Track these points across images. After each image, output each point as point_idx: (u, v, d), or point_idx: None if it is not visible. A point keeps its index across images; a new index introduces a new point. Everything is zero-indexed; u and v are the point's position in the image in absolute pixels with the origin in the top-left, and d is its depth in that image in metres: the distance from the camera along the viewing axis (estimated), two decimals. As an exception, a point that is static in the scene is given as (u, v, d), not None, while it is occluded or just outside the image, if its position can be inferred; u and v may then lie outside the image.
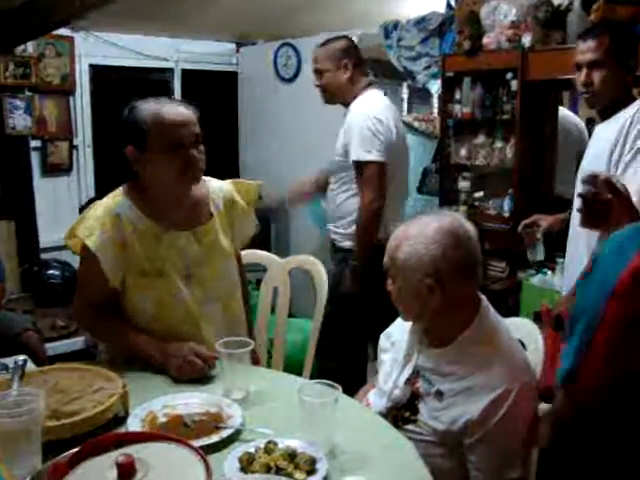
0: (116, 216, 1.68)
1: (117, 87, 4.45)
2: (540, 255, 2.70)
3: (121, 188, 1.75)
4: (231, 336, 1.68)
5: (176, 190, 1.71)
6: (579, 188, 1.69)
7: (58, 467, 0.76)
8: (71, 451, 0.88)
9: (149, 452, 0.78)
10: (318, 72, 2.76)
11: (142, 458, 0.75)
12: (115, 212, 1.68)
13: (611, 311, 1.07)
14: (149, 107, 1.66)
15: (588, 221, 1.49)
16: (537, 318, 2.89)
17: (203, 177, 1.77)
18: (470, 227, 1.49)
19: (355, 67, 2.74)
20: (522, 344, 1.59)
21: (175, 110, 1.66)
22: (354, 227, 2.73)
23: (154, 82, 4.85)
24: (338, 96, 2.78)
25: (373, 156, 2.60)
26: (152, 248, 1.69)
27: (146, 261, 1.68)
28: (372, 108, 2.69)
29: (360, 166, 2.63)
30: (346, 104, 2.76)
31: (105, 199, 1.73)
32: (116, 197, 1.73)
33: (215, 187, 1.85)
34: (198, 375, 1.58)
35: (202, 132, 1.70)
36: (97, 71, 4.41)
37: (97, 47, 4.31)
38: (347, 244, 2.79)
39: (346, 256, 2.77)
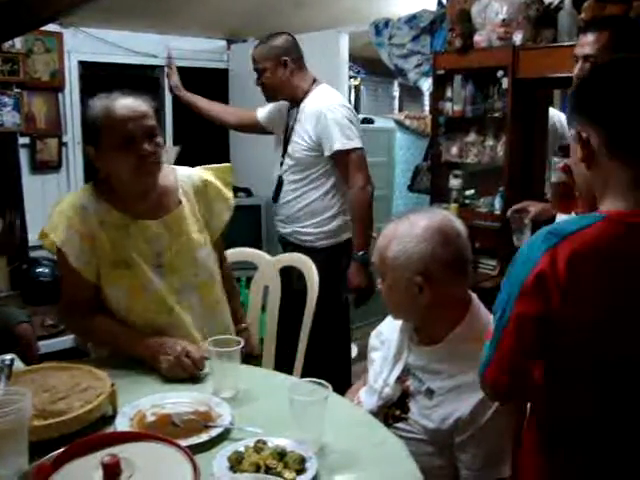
0: (82, 209, 1.67)
1: (106, 84, 4.40)
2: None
3: (87, 184, 1.75)
4: (212, 326, 1.71)
5: (135, 185, 1.69)
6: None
7: (42, 468, 0.74)
8: (56, 452, 0.87)
9: (136, 452, 0.77)
10: (258, 71, 2.76)
11: (128, 458, 0.74)
12: (80, 205, 1.67)
13: (516, 311, 1.12)
14: (100, 104, 1.65)
15: (557, 206, 1.53)
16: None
17: (172, 166, 1.77)
18: (460, 225, 1.48)
19: (295, 63, 2.73)
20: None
21: (125, 104, 1.63)
22: (333, 224, 2.73)
23: (144, 79, 4.82)
24: (283, 93, 2.77)
25: (355, 143, 2.61)
26: (120, 239, 1.68)
27: (115, 252, 1.67)
28: (337, 99, 2.71)
29: (342, 155, 2.61)
30: (295, 101, 2.75)
31: (70, 195, 1.74)
32: (81, 191, 1.73)
33: (183, 175, 1.82)
34: (187, 376, 1.57)
35: (158, 124, 1.69)
36: (86, 68, 4.37)
37: (86, 43, 4.27)
38: (323, 243, 2.75)
39: (327, 256, 2.70)
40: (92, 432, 1.25)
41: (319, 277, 2.19)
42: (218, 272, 1.86)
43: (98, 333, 1.74)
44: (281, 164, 2.81)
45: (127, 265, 1.67)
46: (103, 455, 0.73)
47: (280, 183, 2.81)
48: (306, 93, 2.72)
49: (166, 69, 3.74)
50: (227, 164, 1.94)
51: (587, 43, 2.08)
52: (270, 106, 2.93)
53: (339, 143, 2.59)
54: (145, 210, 1.71)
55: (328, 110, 2.62)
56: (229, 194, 1.87)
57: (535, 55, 3.01)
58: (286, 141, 2.77)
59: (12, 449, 1.09)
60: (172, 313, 1.71)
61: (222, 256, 1.95)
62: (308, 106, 2.69)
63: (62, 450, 0.81)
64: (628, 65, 1.16)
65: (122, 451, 0.76)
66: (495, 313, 1.19)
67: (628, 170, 1.11)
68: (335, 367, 2.77)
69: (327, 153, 2.63)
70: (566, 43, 2.77)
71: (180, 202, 1.77)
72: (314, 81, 2.77)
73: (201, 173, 1.85)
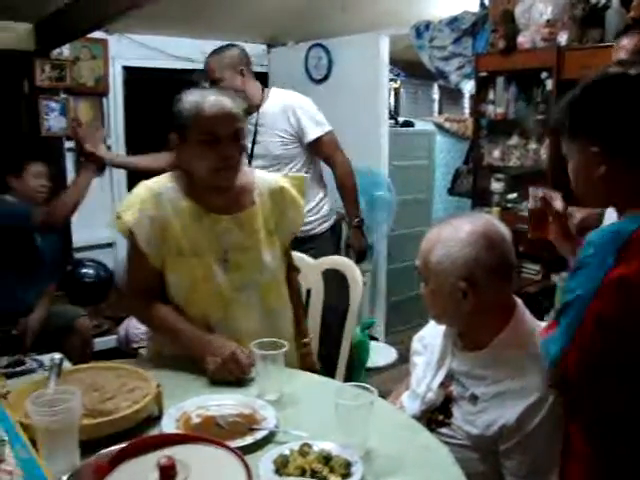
0: (157, 195, 1.71)
1: (149, 89, 4.50)
2: None
3: (167, 173, 1.78)
4: (269, 330, 1.70)
5: (212, 182, 1.72)
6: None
7: (100, 466, 0.76)
8: (111, 449, 0.89)
9: (188, 453, 0.78)
10: (216, 81, 2.85)
11: (183, 460, 0.74)
12: (156, 191, 1.71)
13: (592, 311, 1.15)
14: (192, 98, 1.67)
15: (533, 230, 1.72)
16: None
17: (251, 168, 1.82)
18: (504, 229, 1.46)
19: (250, 72, 2.91)
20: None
21: (216, 103, 1.65)
22: (325, 207, 2.99)
23: (186, 83, 4.87)
24: None
25: (327, 126, 2.88)
26: (191, 228, 1.70)
27: (184, 241, 1.69)
28: (295, 94, 2.96)
29: (318, 141, 2.84)
30: (252, 106, 2.83)
31: (150, 180, 1.76)
32: (161, 178, 1.76)
33: (261, 177, 1.86)
34: (233, 379, 1.57)
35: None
36: (130, 73, 4.46)
37: (130, 49, 4.35)
38: (323, 227, 2.99)
39: (329, 237, 3.01)
40: (138, 432, 1.27)
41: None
42: (283, 277, 1.87)
43: (154, 320, 1.75)
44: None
45: (194, 254, 1.69)
46: (158, 456, 0.74)
47: None
48: (262, 99, 2.89)
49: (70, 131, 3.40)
50: (302, 174, 1.98)
51: (620, 47, 2.04)
52: None
53: (314, 131, 2.83)
54: (219, 205, 1.74)
55: (295, 103, 2.86)
56: (302, 202, 1.89)
57: (581, 56, 2.95)
58: (252, 144, 2.88)
59: (63, 447, 1.11)
60: (228, 309, 1.72)
61: (292, 264, 1.94)
62: (271, 107, 2.87)
63: (119, 449, 0.82)
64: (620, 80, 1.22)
65: (175, 453, 0.76)
66: (562, 313, 1.21)
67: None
68: None
69: (306, 141, 2.83)
70: (614, 43, 2.71)
71: (254, 202, 1.79)
72: (263, 89, 2.96)
73: (278, 179, 1.89)
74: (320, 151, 2.90)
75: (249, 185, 1.80)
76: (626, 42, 2.02)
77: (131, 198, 1.72)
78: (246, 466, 0.77)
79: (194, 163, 1.69)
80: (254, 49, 5.00)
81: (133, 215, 1.67)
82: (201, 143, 1.65)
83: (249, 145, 2.85)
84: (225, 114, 1.65)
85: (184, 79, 4.86)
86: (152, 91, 4.49)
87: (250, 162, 2.87)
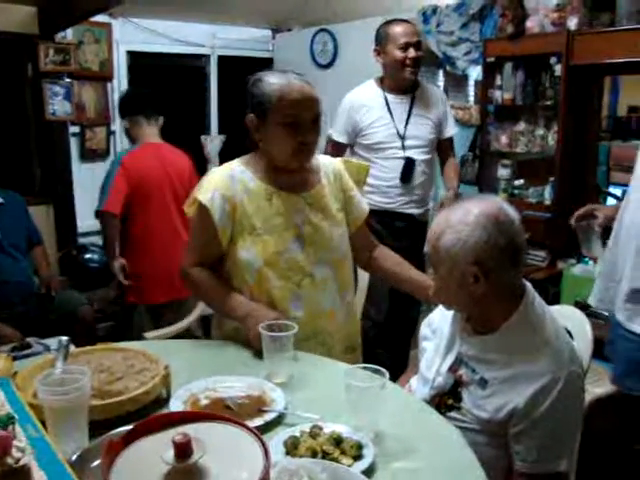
0: (229, 177, 1.75)
1: (154, 73, 4.47)
2: (598, 250, 2.36)
3: (237, 158, 1.83)
4: (342, 306, 1.79)
5: (287, 165, 1.76)
6: None
7: (113, 444, 0.75)
8: (120, 429, 0.88)
9: (204, 432, 0.77)
10: None
11: (199, 438, 0.73)
12: (228, 173, 1.76)
13: None
14: (276, 81, 1.70)
15: None
16: (578, 307, 2.85)
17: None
18: (513, 212, 1.44)
19: None
20: (569, 333, 1.55)
21: (300, 88, 1.69)
22: None
23: (190, 68, 4.86)
24: None
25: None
26: (263, 207, 1.74)
27: (256, 219, 1.73)
28: None
29: None
30: None
31: (221, 166, 1.83)
32: (231, 164, 1.81)
33: (325, 160, 1.91)
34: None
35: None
36: (134, 57, 4.44)
37: (134, 34, 4.33)
38: None
39: None
40: (146, 414, 1.26)
41: None
42: (350, 255, 1.89)
43: (205, 282, 1.77)
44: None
45: (267, 232, 1.73)
46: (172, 434, 0.73)
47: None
48: None
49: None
50: (366, 164, 2.02)
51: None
52: None
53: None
54: (289, 184, 1.77)
55: None
56: (356, 188, 1.93)
57: (591, 40, 2.92)
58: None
59: (72, 426, 1.11)
60: (302, 285, 1.74)
61: (370, 242, 1.98)
62: None
63: (132, 427, 0.81)
64: None
65: (192, 430, 0.75)
66: None
67: None
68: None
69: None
70: (625, 27, 2.68)
71: (321, 182, 1.83)
72: None
73: (340, 164, 1.93)
74: None
75: (315, 167, 1.85)
76: None
77: (204, 182, 1.76)
78: (263, 444, 0.76)
79: (273, 144, 1.73)
80: (259, 34, 4.98)
81: (209, 194, 1.71)
82: (282, 125, 1.68)
83: None
84: (308, 99, 1.69)
85: (190, 64, 4.85)
86: (157, 76, 4.46)
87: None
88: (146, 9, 4.03)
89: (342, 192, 1.87)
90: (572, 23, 2.97)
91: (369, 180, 2.16)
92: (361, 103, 2.89)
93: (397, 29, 2.81)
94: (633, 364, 2.00)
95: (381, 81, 2.93)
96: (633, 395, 2.01)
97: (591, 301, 2.17)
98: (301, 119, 1.68)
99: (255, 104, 1.72)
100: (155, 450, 0.73)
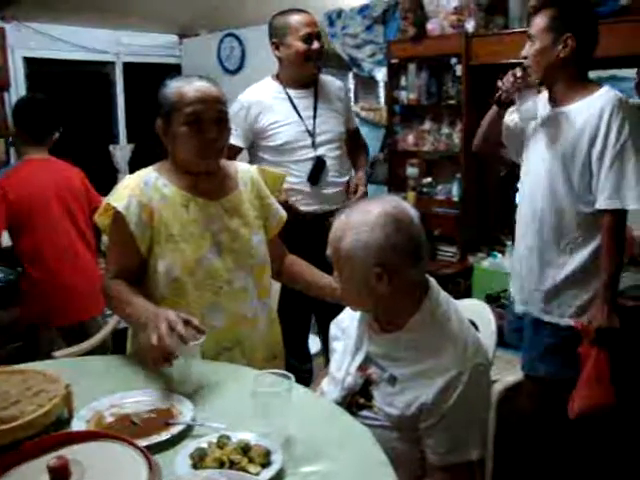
0: (144, 184, 1.71)
1: (55, 81, 4.30)
2: (533, 111, 2.07)
3: (151, 165, 1.79)
4: (263, 313, 1.78)
5: (196, 166, 1.72)
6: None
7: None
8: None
9: (88, 452, 0.73)
10: None
11: (78, 460, 0.70)
12: (143, 180, 1.72)
13: None
14: (175, 84, 1.69)
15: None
16: (489, 300, 2.94)
17: (232, 162, 1.85)
18: (411, 210, 1.46)
19: None
20: (474, 325, 1.59)
21: (199, 87, 1.68)
22: None
23: (95, 75, 4.71)
24: None
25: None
26: (179, 214, 1.70)
27: (173, 226, 1.68)
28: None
29: None
30: None
31: (135, 173, 1.78)
32: (145, 170, 1.77)
33: (242, 167, 1.90)
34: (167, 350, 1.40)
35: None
36: (34, 64, 4.25)
37: (31, 39, 4.14)
38: None
39: None
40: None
41: None
42: (269, 262, 1.86)
43: (113, 291, 1.68)
44: None
45: (184, 240, 1.69)
46: (50, 458, 0.69)
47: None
48: None
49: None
50: (282, 173, 2.01)
51: (532, 24, 2.08)
52: None
53: None
54: (205, 190, 1.75)
55: None
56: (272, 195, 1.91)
57: (487, 42, 3.04)
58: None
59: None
60: (221, 293, 1.71)
61: (283, 251, 1.97)
62: None
63: (8, 454, 0.77)
64: None
65: (74, 452, 0.72)
66: None
67: None
68: None
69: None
70: (517, 29, 2.80)
71: (238, 187, 1.81)
72: None
73: (257, 171, 1.91)
74: None
75: (232, 173, 1.83)
76: (535, 19, 2.05)
77: (119, 188, 1.72)
78: (149, 462, 0.73)
79: (178, 146, 1.70)
80: (166, 40, 4.88)
81: (124, 201, 1.66)
82: (184, 125, 1.66)
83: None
84: (207, 97, 1.67)
85: (94, 71, 4.70)
86: (59, 84, 4.30)
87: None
88: (43, 13, 3.87)
89: (259, 199, 1.85)
90: (469, 26, 3.08)
91: None
92: (259, 102, 2.63)
93: (297, 18, 2.64)
94: (548, 350, 2.09)
95: (278, 77, 2.71)
96: (543, 378, 2.09)
97: (518, 309, 2.22)
98: (203, 117, 1.66)
99: (159, 108, 1.70)
100: (32, 476, 0.69)
